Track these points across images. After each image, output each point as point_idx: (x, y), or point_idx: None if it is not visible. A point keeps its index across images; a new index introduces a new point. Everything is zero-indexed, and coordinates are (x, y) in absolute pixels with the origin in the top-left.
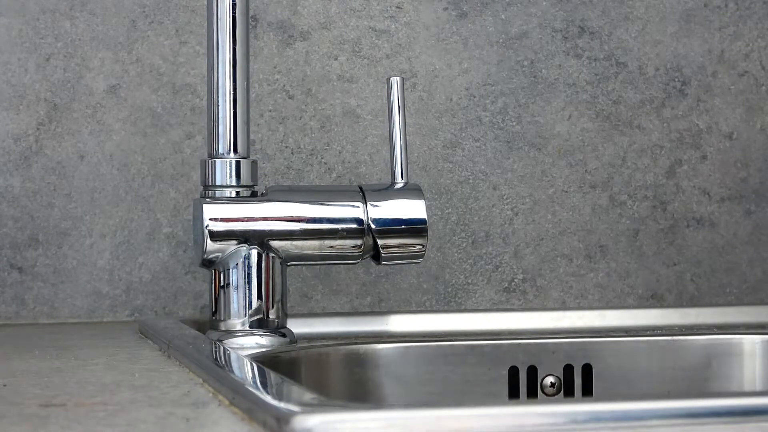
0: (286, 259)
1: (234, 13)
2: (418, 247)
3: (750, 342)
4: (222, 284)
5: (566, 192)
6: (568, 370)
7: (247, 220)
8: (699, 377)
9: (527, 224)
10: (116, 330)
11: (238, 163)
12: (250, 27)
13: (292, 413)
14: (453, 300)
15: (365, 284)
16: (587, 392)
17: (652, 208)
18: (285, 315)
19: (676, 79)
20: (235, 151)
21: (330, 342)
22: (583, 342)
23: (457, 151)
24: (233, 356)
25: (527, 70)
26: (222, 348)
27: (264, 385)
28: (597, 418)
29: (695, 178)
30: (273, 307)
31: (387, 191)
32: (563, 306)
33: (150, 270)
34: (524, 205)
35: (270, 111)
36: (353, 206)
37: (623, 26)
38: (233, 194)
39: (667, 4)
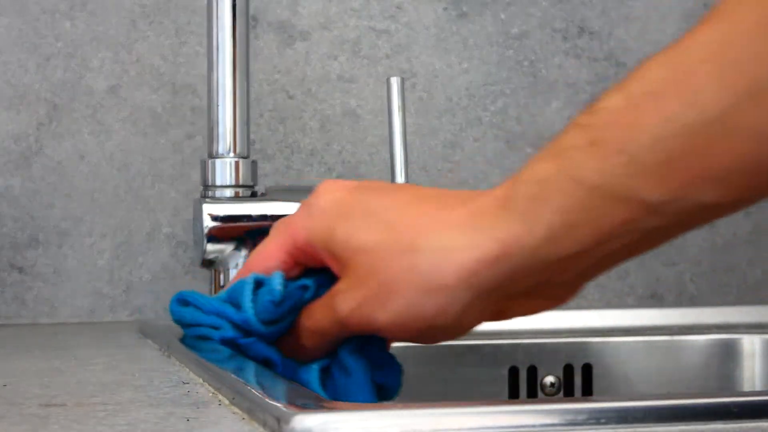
0: None
1: (234, 13)
2: None
3: (750, 342)
4: (222, 284)
5: None
6: (568, 370)
7: (247, 220)
8: (699, 377)
9: None
10: (116, 330)
11: (237, 163)
12: (250, 27)
13: (292, 413)
14: None
15: None
16: (587, 392)
17: None
18: None
19: None
20: (235, 151)
21: None
22: (583, 342)
23: (457, 151)
24: None
25: (527, 70)
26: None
27: (264, 385)
28: (597, 417)
29: None
30: None
31: None
32: (563, 306)
33: (150, 270)
34: None
35: (270, 111)
36: None
37: (623, 26)
38: (233, 194)
39: (667, 4)
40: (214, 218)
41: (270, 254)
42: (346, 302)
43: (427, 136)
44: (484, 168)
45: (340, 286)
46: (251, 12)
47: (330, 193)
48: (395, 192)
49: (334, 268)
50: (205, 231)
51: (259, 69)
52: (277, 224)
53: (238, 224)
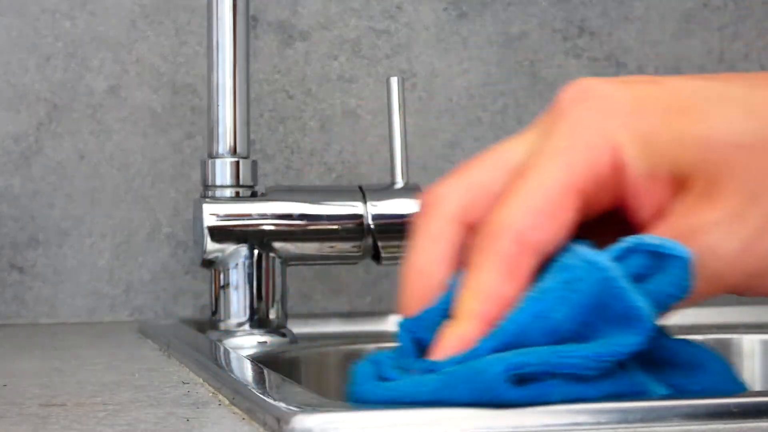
0: (286, 259)
1: (234, 13)
2: None
3: (749, 342)
4: (222, 284)
5: None
6: None
7: (247, 220)
8: None
9: None
10: (116, 330)
11: (237, 163)
12: (250, 27)
13: (292, 413)
14: None
15: (365, 284)
16: None
17: None
18: (285, 315)
19: None
20: (235, 151)
21: (330, 342)
22: None
23: (456, 151)
24: (233, 356)
25: (527, 70)
26: (222, 348)
27: (264, 385)
28: (597, 418)
29: None
30: (273, 307)
31: (387, 191)
32: None
33: (150, 270)
34: None
35: (270, 111)
36: (353, 206)
37: (623, 26)
38: (233, 194)
39: (666, 4)
40: (214, 218)
41: (559, 205)
42: (729, 237)
43: (427, 136)
44: None
45: (702, 220)
46: (251, 12)
47: (618, 86)
48: (699, 78)
49: (657, 197)
50: (206, 231)
51: (259, 69)
52: (533, 157)
53: (238, 224)
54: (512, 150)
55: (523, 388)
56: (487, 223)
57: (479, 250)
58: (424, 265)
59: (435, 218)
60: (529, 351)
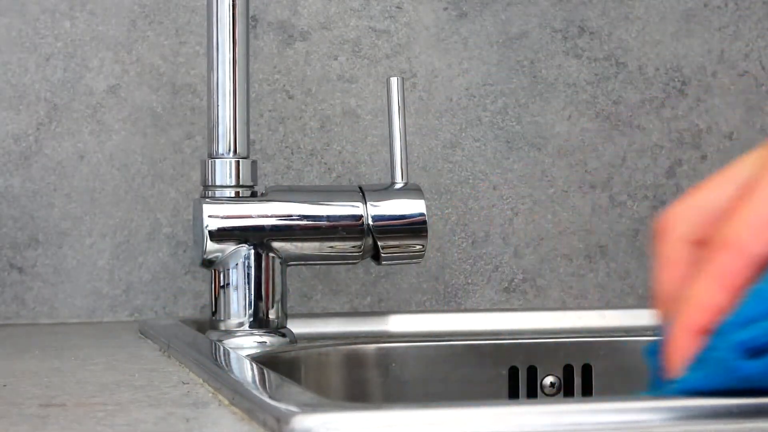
0: (286, 259)
1: (234, 13)
2: (418, 247)
3: None
4: (222, 284)
5: (566, 192)
6: (568, 370)
7: (247, 220)
8: None
9: (527, 224)
10: (116, 330)
11: (237, 163)
12: (250, 27)
13: (292, 413)
14: (453, 300)
15: (365, 284)
16: (587, 392)
17: (652, 208)
18: (285, 315)
19: (676, 79)
20: (235, 151)
21: (330, 342)
22: (583, 342)
23: (457, 151)
24: (233, 356)
25: (527, 70)
26: (222, 348)
27: (264, 385)
28: (597, 418)
29: (695, 178)
30: (273, 307)
31: (387, 191)
32: (563, 306)
33: (150, 270)
34: (524, 205)
35: (270, 111)
36: (353, 206)
37: (623, 26)
38: (233, 194)
39: (667, 4)
40: (214, 218)
41: None
42: None
43: (427, 136)
44: (484, 168)
45: None
46: (251, 12)
47: None
48: None
49: None
50: (205, 231)
51: (259, 69)
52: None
53: (238, 224)
54: (738, 170)
55: (762, 360)
56: (713, 239)
57: (704, 263)
58: (669, 288)
59: (670, 241)
60: (756, 325)
